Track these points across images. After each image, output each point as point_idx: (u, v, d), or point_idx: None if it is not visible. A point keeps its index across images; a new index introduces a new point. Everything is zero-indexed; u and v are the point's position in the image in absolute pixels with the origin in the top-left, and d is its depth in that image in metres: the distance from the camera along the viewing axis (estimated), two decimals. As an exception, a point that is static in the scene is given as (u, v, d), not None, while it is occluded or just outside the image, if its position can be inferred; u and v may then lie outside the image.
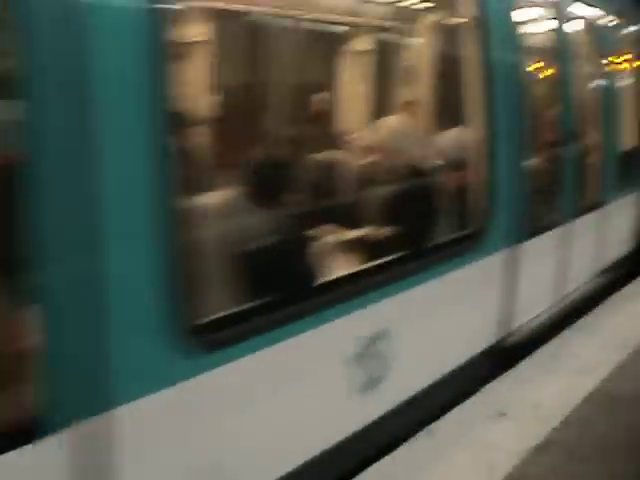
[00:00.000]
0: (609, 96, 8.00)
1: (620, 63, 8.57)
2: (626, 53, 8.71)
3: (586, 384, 5.69)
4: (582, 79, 7.48)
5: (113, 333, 2.87)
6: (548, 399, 5.45)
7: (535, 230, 6.16)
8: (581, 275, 7.33)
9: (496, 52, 5.50)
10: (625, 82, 8.61)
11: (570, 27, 7.17)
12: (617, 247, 8.33)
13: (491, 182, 5.47)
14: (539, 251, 6.18)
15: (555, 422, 5.11)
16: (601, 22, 8.03)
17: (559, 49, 6.92)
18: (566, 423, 5.10)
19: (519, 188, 5.83)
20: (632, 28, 8.79)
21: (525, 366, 6.07)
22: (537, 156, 6.55)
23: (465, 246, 5.28)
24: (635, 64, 8.95)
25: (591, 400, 5.44)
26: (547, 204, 6.65)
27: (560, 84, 6.93)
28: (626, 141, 8.41)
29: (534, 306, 6.38)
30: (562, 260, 6.79)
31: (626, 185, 8.31)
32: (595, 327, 6.97)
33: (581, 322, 7.08)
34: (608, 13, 8.17)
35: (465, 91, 5.46)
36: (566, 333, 6.78)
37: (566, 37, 7.05)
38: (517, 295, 5.94)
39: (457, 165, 5.76)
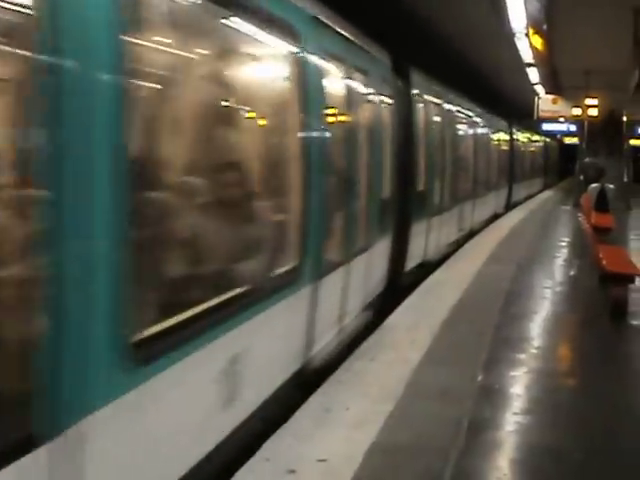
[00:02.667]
0: (370, 152, 8.74)
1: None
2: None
3: (364, 437, 5.57)
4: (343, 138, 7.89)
5: None
6: (332, 454, 5.26)
7: (328, 269, 7.01)
8: (355, 308, 8.33)
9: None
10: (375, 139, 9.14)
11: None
12: (378, 285, 9.51)
13: (304, 229, 6.37)
14: (329, 287, 6.99)
15: (347, 477, 4.92)
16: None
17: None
18: (359, 478, 4.93)
19: (319, 233, 6.68)
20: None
21: (300, 419, 5.85)
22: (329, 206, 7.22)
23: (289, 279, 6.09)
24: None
25: (375, 452, 5.33)
26: (335, 246, 7.38)
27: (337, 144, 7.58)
28: (382, 191, 9.54)
29: (326, 334, 7.18)
30: (342, 295, 7.65)
31: (382, 230, 9.43)
32: (358, 377, 6.92)
33: (342, 373, 7.02)
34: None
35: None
36: (332, 383, 6.68)
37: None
38: (315, 325, 6.71)
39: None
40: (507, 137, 28.53)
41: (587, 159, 27.14)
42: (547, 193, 39.76)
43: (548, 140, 44.54)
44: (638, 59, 12.96)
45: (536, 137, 39.66)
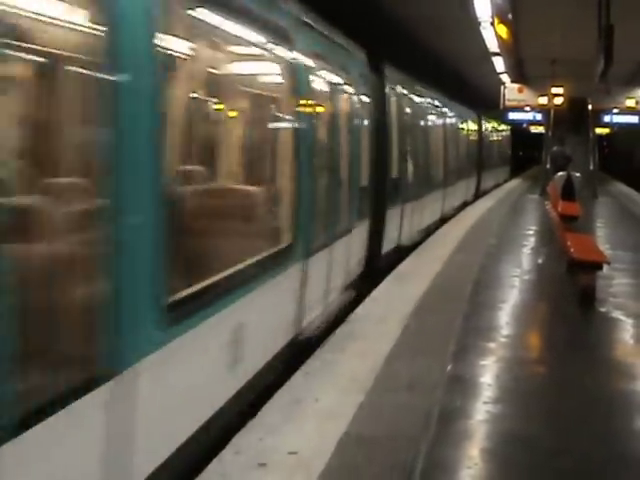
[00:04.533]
0: (349, 143, 9.57)
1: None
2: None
3: (335, 428, 5.54)
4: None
5: None
6: (303, 446, 5.22)
7: (315, 249, 7.68)
8: (338, 286, 9.00)
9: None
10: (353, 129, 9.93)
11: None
12: (357, 266, 10.16)
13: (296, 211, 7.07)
14: (317, 265, 7.70)
15: (318, 469, 4.88)
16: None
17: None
18: (331, 469, 4.90)
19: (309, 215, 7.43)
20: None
21: (270, 412, 5.81)
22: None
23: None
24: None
25: (347, 443, 5.31)
26: (320, 229, 8.01)
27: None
28: (361, 178, 10.27)
29: (314, 309, 7.85)
30: (327, 274, 8.33)
31: (361, 215, 10.12)
32: (328, 368, 6.90)
33: (313, 363, 6.98)
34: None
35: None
36: (301, 374, 6.65)
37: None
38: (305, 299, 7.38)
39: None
40: (476, 126, 28.77)
41: (555, 147, 27.26)
42: (514, 182, 39.96)
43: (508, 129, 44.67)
44: (603, 48, 13.01)
45: (503, 126, 39.97)
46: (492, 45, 21.12)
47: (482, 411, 6.20)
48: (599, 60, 13.59)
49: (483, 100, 33.59)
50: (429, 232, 16.66)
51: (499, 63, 25.60)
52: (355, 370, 6.86)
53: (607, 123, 38.05)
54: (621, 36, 12.89)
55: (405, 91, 14.32)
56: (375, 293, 10.32)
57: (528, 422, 6.06)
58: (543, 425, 5.99)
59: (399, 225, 13.28)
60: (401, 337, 8.07)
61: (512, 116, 36.13)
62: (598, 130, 38.72)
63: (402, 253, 13.34)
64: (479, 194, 28.38)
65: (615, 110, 34.64)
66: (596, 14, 14.05)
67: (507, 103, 31.89)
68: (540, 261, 14.13)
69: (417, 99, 15.87)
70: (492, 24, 17.59)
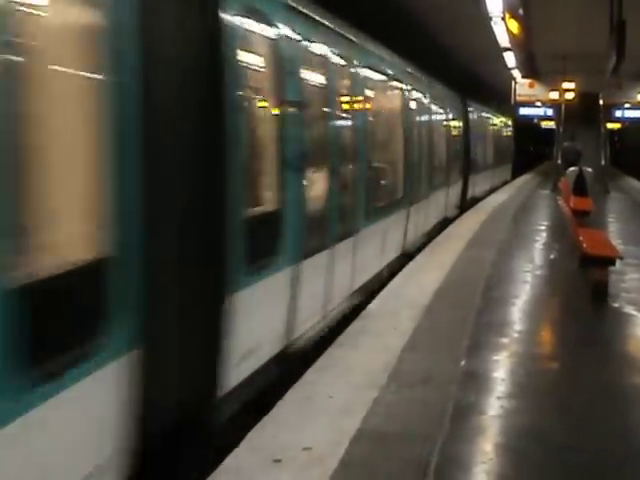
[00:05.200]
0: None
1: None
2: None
3: (349, 424, 5.55)
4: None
5: None
6: (317, 442, 5.23)
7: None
8: (453, 204, 14.26)
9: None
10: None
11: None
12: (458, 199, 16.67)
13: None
14: (454, 189, 12.88)
15: (333, 465, 4.89)
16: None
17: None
18: (345, 465, 4.91)
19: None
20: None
21: (283, 408, 5.82)
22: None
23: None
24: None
25: (361, 439, 5.31)
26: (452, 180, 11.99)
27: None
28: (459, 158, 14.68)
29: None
30: (450, 199, 13.70)
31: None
32: (341, 364, 6.91)
33: (324, 360, 6.99)
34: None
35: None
36: (314, 371, 6.66)
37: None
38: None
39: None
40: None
41: (566, 143, 27.03)
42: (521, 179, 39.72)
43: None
44: (615, 42, 12.96)
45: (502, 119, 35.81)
46: (503, 40, 21.06)
47: (496, 406, 6.19)
48: (611, 55, 13.54)
49: (497, 95, 33.48)
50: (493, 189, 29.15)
51: (510, 58, 25.53)
52: (369, 366, 6.87)
53: (618, 118, 37.92)
54: (633, 31, 12.83)
55: (474, 113, 24.80)
56: (386, 289, 10.32)
57: (542, 417, 6.05)
58: (557, 420, 5.99)
59: (474, 185, 23.69)
60: (414, 332, 8.08)
61: (523, 111, 36.03)
62: (609, 125, 38.55)
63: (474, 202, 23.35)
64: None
65: (626, 105, 34.53)
66: (607, 9, 14.00)
67: (518, 98, 31.79)
68: (552, 256, 14.10)
69: (479, 115, 26.72)
70: (503, 19, 17.54)
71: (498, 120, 33.94)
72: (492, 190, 28.98)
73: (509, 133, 39.43)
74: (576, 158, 24.59)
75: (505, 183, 34.16)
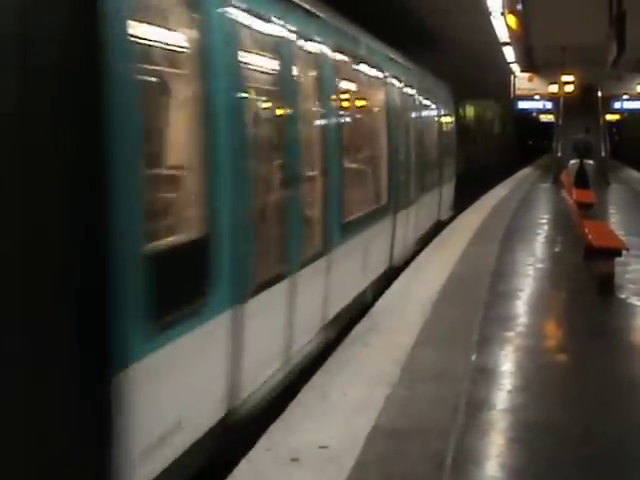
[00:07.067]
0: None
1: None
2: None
3: (364, 422, 5.59)
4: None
5: None
6: (334, 440, 5.27)
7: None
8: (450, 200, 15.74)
9: None
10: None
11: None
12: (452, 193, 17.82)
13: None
14: (448, 187, 14.55)
15: (350, 462, 4.94)
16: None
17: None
18: (362, 462, 4.95)
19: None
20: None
21: (298, 407, 5.87)
22: None
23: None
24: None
25: (376, 437, 5.35)
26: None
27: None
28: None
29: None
30: (444, 198, 15.75)
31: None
32: (353, 362, 6.95)
33: (337, 359, 7.04)
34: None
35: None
36: (327, 369, 6.70)
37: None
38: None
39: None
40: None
41: (581, 135, 26.68)
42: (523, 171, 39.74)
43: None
44: (615, 35, 12.99)
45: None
46: (502, 34, 21.09)
47: (507, 400, 6.24)
48: (611, 47, 13.57)
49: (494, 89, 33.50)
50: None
51: (509, 52, 25.55)
52: (380, 363, 6.91)
53: (617, 109, 37.95)
54: (631, 22, 12.87)
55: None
56: (394, 286, 10.36)
57: (553, 410, 6.09)
58: (569, 413, 6.02)
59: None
60: (424, 328, 8.12)
61: (522, 105, 36.05)
62: (608, 117, 38.57)
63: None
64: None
65: (625, 96, 34.54)
66: (606, 0, 14.04)
67: (517, 92, 31.82)
68: (557, 249, 14.13)
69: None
70: (502, 13, 17.57)
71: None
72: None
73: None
74: (588, 151, 24.56)
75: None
